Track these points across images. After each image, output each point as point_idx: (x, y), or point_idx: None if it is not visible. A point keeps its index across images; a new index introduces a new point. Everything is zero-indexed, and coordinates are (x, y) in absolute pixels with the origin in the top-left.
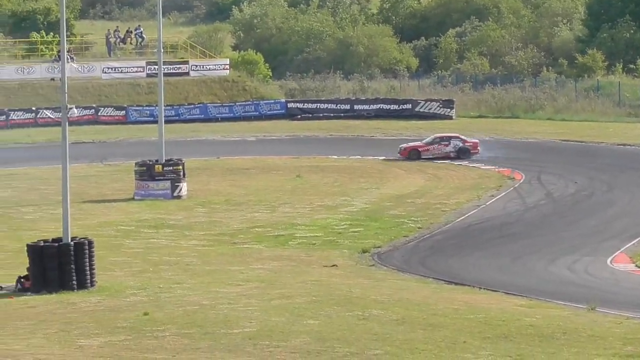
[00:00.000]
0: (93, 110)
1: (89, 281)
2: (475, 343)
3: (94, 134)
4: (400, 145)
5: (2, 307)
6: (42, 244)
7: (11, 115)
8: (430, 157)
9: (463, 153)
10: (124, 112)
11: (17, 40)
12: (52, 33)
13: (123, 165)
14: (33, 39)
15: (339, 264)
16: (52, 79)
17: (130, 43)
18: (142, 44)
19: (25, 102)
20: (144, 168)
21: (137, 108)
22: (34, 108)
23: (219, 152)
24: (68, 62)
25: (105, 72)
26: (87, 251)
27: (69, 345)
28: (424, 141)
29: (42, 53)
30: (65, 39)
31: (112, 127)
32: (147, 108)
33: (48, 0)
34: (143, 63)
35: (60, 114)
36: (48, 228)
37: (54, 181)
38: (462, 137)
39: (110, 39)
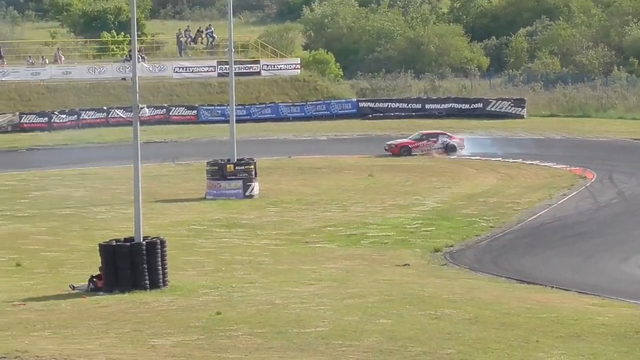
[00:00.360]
0: (164, 109)
1: (161, 281)
2: (548, 342)
3: (166, 133)
4: (388, 142)
5: (75, 307)
6: (115, 244)
7: (83, 114)
8: (420, 153)
9: (450, 149)
10: (196, 111)
11: (88, 40)
12: (123, 33)
13: (195, 165)
14: (104, 39)
15: (411, 263)
16: (123, 79)
17: (201, 43)
18: (213, 43)
19: (96, 101)
20: (216, 167)
21: (208, 107)
22: (105, 108)
23: (291, 151)
24: (139, 61)
25: (177, 72)
26: (159, 250)
27: (141, 345)
28: (411, 138)
29: (113, 53)
30: (136, 38)
31: (183, 127)
32: (219, 107)
33: (119, 0)
34: (214, 62)
35: (132, 114)
36: (120, 227)
37: (126, 181)
38: (449, 133)
39: (181, 39)
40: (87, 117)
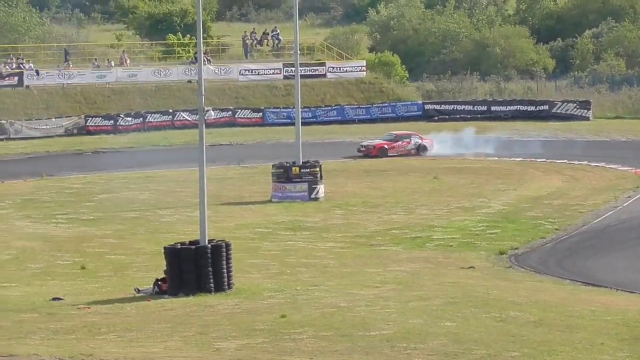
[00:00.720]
0: (230, 112)
1: (226, 283)
2: (613, 345)
3: (231, 136)
4: (363, 144)
5: (140, 310)
6: (179, 247)
7: (148, 117)
8: (396, 154)
9: (422, 149)
10: (261, 114)
11: (153, 42)
12: (188, 35)
13: (260, 167)
14: (170, 41)
15: (476, 265)
16: (189, 81)
17: (267, 45)
18: (278, 45)
19: (162, 104)
20: (281, 170)
21: (274, 110)
22: (170, 110)
23: (356, 153)
24: (205, 64)
25: (242, 74)
26: (224, 253)
27: (206, 348)
28: (384, 139)
29: (178, 55)
30: (201, 41)
31: (249, 129)
32: (284, 110)
33: (184, 2)
34: (280, 65)
35: (197, 116)
36: (185, 230)
37: (191, 183)
38: (418, 134)
39: (247, 41)
40: (152, 120)
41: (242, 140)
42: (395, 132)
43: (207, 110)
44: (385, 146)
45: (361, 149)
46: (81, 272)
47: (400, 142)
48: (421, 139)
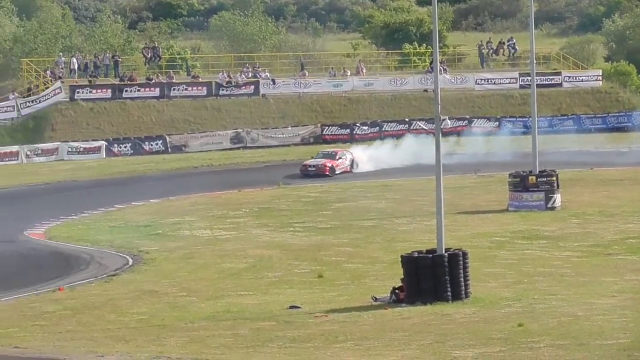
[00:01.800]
0: (466, 121)
1: (463, 292)
2: None
3: (467, 145)
4: (311, 163)
5: (377, 318)
6: (416, 255)
7: (384, 126)
8: (339, 172)
9: (355, 166)
10: (497, 123)
11: (390, 51)
12: (424, 44)
13: (496, 176)
14: (406, 51)
15: None
16: (425, 90)
17: (503, 54)
18: (514, 55)
19: (398, 113)
20: (518, 179)
21: (510, 119)
22: (407, 119)
23: (592, 163)
24: (441, 73)
25: (478, 84)
26: (461, 262)
27: (443, 357)
28: (323, 157)
29: (414, 64)
30: (437, 50)
31: (484, 138)
32: (520, 119)
33: (420, 12)
34: (516, 74)
35: (434, 125)
36: (422, 239)
37: (427, 192)
38: (348, 150)
39: (483, 50)
40: (388, 129)
41: (478, 149)
42: (328, 150)
43: (444, 119)
44: (333, 165)
45: (310, 169)
46: (318, 281)
47: (342, 160)
48: (352, 155)
